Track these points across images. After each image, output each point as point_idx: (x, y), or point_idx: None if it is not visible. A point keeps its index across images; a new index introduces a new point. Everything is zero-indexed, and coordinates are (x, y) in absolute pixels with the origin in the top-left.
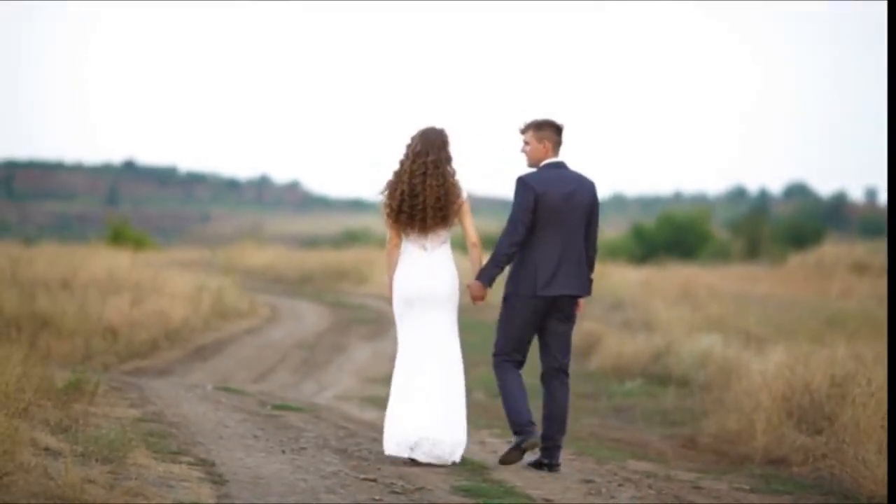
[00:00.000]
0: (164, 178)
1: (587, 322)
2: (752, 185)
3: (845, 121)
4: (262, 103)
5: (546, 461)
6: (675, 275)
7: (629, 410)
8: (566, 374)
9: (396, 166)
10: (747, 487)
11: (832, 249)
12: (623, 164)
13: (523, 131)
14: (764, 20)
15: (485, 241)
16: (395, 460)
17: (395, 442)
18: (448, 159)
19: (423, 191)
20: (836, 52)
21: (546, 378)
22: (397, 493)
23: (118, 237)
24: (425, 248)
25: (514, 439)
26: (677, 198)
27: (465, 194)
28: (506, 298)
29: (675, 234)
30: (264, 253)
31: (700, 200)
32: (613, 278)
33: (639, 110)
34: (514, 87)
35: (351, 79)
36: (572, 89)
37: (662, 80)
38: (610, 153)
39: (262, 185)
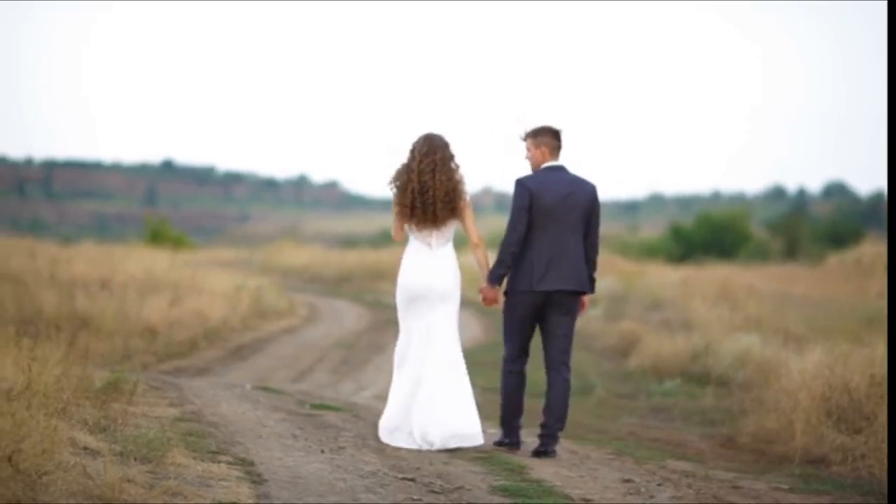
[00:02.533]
0: (202, 177)
1: (626, 321)
2: (791, 185)
3: (884, 120)
4: (300, 103)
5: (542, 449)
6: (713, 274)
7: (668, 410)
8: (567, 366)
9: (403, 168)
10: (786, 487)
11: (871, 249)
12: (661, 164)
13: (524, 139)
14: (807, 18)
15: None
16: (386, 446)
17: (389, 430)
18: (452, 157)
19: (433, 185)
20: (877, 50)
21: (547, 371)
22: (436, 492)
23: (157, 237)
24: (431, 246)
25: (500, 431)
26: (716, 197)
27: (468, 196)
28: (506, 293)
29: (713, 233)
30: (302, 252)
31: (738, 200)
32: (652, 278)
33: (678, 110)
34: (550, 88)
35: (390, 79)
36: (612, 89)
37: (702, 79)
38: (648, 153)
39: (300, 185)
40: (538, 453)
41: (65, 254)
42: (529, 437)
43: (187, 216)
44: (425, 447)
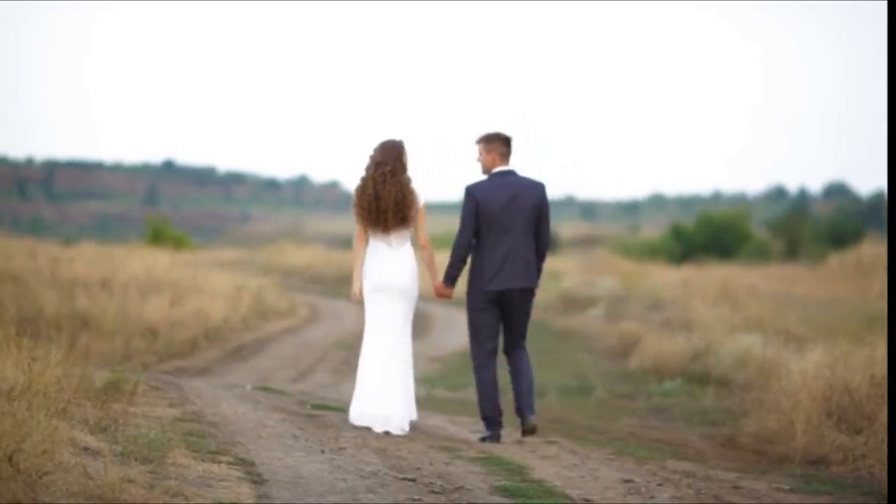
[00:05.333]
0: (203, 178)
1: (626, 322)
2: (792, 185)
3: (884, 119)
4: (301, 103)
5: (525, 424)
6: (714, 275)
7: (668, 410)
8: (523, 347)
9: (364, 173)
10: (787, 487)
11: (872, 249)
12: (662, 164)
13: (477, 143)
14: (807, 18)
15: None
16: (358, 428)
17: (358, 413)
18: (403, 168)
19: (384, 195)
20: (877, 50)
21: (507, 352)
22: (436, 492)
23: (158, 237)
24: (391, 246)
25: (482, 427)
26: (716, 197)
27: (422, 201)
28: (467, 294)
29: (714, 233)
30: (303, 253)
31: (739, 200)
32: (653, 278)
33: (678, 110)
34: (551, 88)
35: (391, 79)
36: (613, 89)
37: (702, 79)
38: (649, 153)
39: (301, 185)
40: (525, 432)
41: (66, 254)
42: (530, 437)
43: (188, 216)
44: (384, 431)
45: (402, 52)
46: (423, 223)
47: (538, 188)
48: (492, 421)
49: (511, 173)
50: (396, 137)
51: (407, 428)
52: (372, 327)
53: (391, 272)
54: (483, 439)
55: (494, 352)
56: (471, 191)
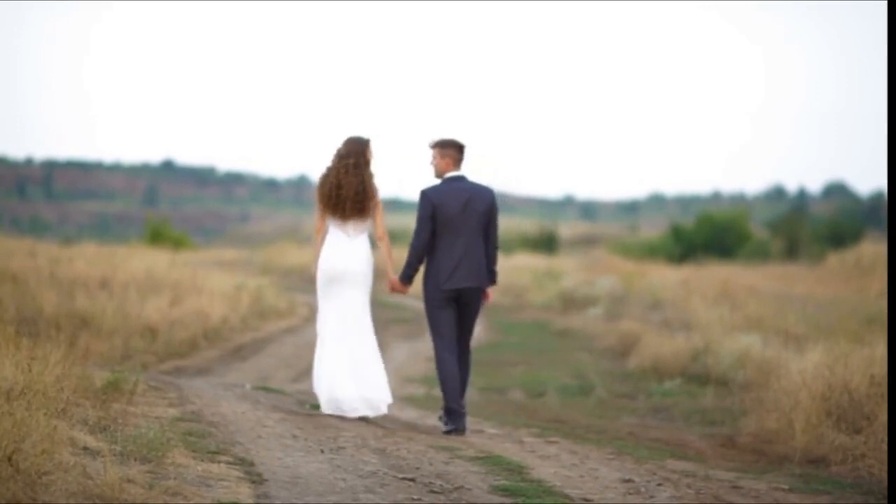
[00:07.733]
0: (202, 177)
1: (626, 321)
2: (791, 185)
3: (884, 119)
4: (300, 103)
5: (452, 427)
6: (713, 274)
7: (668, 410)
8: (467, 350)
9: (330, 164)
10: (786, 487)
11: (871, 248)
12: (662, 164)
13: (431, 147)
14: (808, 18)
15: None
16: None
17: (325, 400)
18: (366, 163)
19: (345, 185)
20: (877, 50)
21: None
22: (436, 492)
23: (157, 237)
24: (348, 234)
25: (443, 418)
26: (716, 197)
27: (378, 195)
28: (424, 292)
29: (713, 233)
30: (302, 252)
31: (739, 200)
32: (652, 278)
33: (678, 110)
34: (551, 88)
35: (390, 79)
36: (613, 89)
37: (703, 79)
38: (649, 153)
39: (300, 185)
40: (451, 432)
41: (66, 253)
42: (529, 437)
43: (188, 216)
44: (351, 415)
45: (402, 52)
46: (380, 216)
47: (489, 194)
48: (456, 414)
49: (463, 179)
50: (363, 135)
51: (384, 409)
52: (325, 316)
53: (346, 259)
54: (447, 432)
55: (454, 344)
56: (427, 195)
